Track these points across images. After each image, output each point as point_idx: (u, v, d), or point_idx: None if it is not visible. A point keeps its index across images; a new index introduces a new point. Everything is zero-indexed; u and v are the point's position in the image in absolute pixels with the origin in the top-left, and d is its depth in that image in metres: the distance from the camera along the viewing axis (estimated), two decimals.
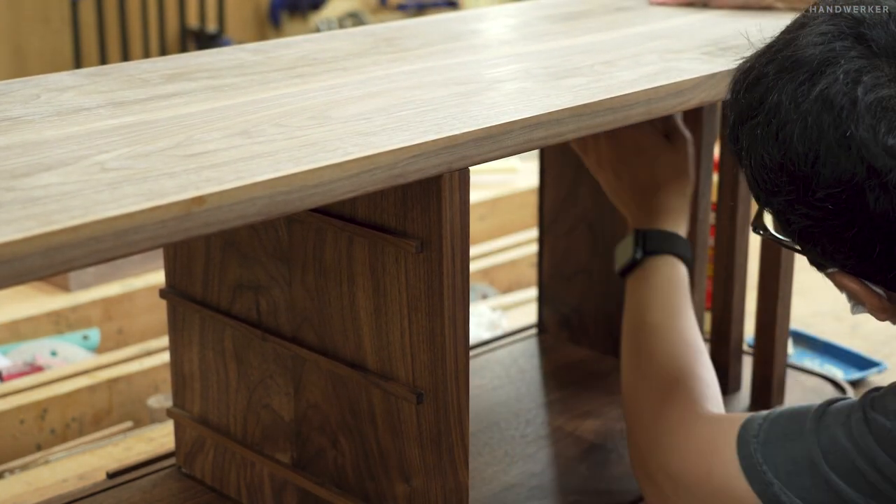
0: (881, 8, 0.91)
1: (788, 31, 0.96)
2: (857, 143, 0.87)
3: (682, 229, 1.31)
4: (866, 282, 0.95)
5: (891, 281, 0.93)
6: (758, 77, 0.94)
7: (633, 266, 1.30)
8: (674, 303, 1.26)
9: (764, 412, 1.07)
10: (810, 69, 0.90)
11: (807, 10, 0.97)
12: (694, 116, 1.40)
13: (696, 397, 1.15)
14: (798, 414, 1.04)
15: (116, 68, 1.10)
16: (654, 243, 1.29)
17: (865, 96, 0.87)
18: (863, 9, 0.91)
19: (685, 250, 1.30)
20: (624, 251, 1.32)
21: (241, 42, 4.00)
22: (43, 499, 1.29)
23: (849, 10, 0.92)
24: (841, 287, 0.97)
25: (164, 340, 1.90)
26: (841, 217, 0.90)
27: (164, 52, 4.42)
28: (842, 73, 0.88)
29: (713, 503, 1.07)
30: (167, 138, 0.88)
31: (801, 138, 0.89)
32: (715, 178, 1.47)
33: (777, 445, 1.03)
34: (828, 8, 0.94)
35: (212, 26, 4.59)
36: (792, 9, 1.40)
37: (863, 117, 0.87)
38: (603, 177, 1.37)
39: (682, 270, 1.29)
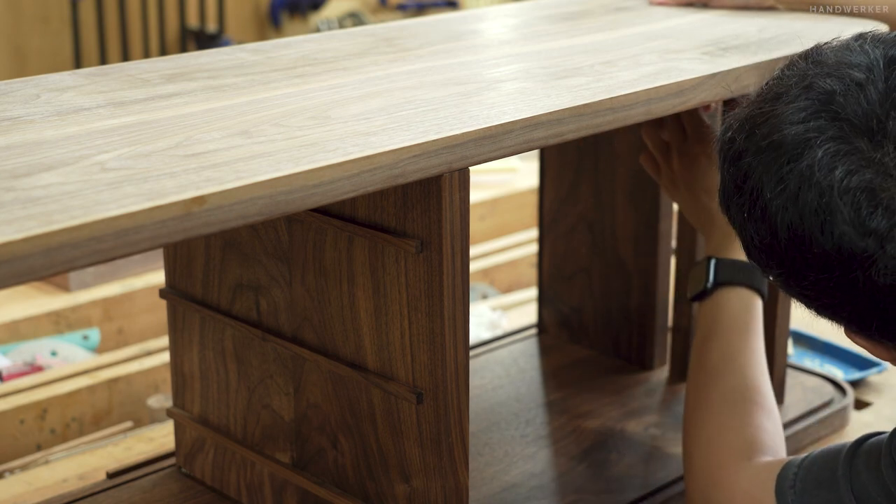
0: (850, 79, 0.89)
1: (764, 99, 0.93)
2: (838, 232, 0.85)
3: None
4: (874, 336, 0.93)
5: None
6: (738, 153, 0.92)
7: (703, 294, 1.26)
8: (738, 341, 1.21)
9: (800, 457, 1.06)
10: (787, 152, 0.88)
11: (781, 73, 0.94)
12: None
13: (748, 452, 1.12)
14: (831, 457, 1.02)
15: (116, 68, 1.10)
16: (726, 273, 1.25)
17: (842, 183, 0.85)
18: (831, 81, 0.89)
19: (760, 281, 1.25)
20: (696, 277, 1.28)
21: (241, 42, 4.00)
22: (43, 499, 1.29)
23: (820, 84, 0.89)
24: (850, 339, 0.95)
25: (164, 340, 1.90)
26: (833, 297, 0.90)
27: (164, 52, 4.42)
28: (818, 158, 0.86)
29: None
30: (167, 138, 0.88)
31: (783, 225, 0.88)
32: None
33: (813, 495, 1.02)
34: (797, 76, 0.92)
35: (212, 26, 4.59)
36: (791, 10, 1.40)
37: (840, 206, 0.85)
38: (679, 198, 1.34)
39: (752, 304, 1.24)
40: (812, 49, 0.95)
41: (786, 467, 1.06)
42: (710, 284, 1.25)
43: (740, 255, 1.24)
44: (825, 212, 0.86)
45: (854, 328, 0.92)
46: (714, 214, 1.29)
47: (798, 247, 0.88)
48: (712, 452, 1.14)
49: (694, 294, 1.27)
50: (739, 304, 1.24)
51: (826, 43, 0.95)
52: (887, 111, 0.87)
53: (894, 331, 0.90)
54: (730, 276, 1.25)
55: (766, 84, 0.96)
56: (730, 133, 0.95)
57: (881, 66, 0.89)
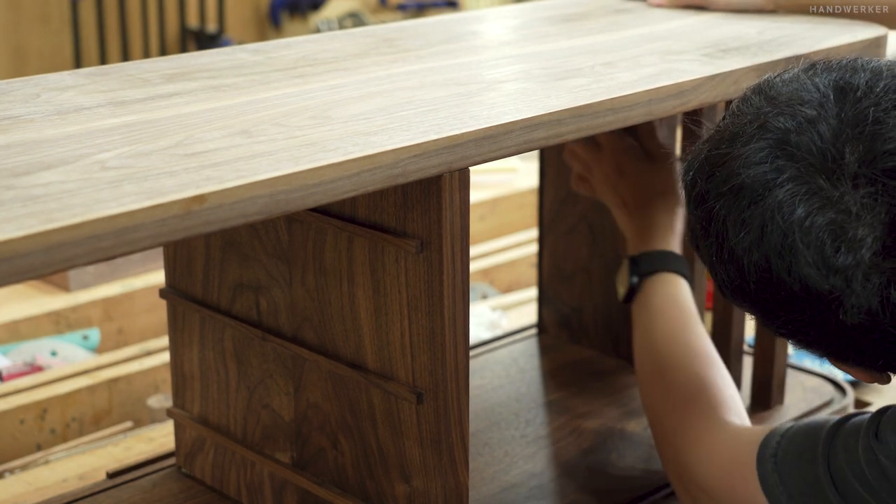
0: (802, 116, 0.88)
1: (721, 139, 0.93)
2: (803, 273, 0.86)
3: (673, 246, 1.32)
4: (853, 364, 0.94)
5: (874, 368, 0.93)
6: (701, 195, 0.93)
7: (632, 293, 1.31)
8: (677, 319, 1.25)
9: (785, 426, 1.07)
10: (748, 195, 0.88)
11: (736, 108, 0.94)
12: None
13: (715, 408, 1.15)
14: (813, 432, 1.03)
15: (116, 68, 1.10)
16: (646, 265, 1.30)
17: (804, 224, 0.85)
18: (784, 120, 0.89)
19: (679, 265, 1.30)
20: (621, 280, 1.33)
21: (241, 42, 4.01)
22: (43, 499, 1.29)
23: (773, 123, 0.89)
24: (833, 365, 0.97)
25: (164, 340, 1.90)
26: (808, 335, 0.91)
27: (164, 52, 4.43)
28: (780, 199, 0.86)
29: None
30: (167, 137, 0.88)
31: (751, 267, 0.88)
32: None
33: (792, 466, 1.03)
34: (752, 114, 0.91)
35: (212, 26, 4.59)
36: (791, 11, 1.40)
37: (803, 247, 0.85)
38: (606, 200, 1.40)
39: (679, 285, 1.29)
40: (764, 82, 0.95)
41: (769, 436, 1.06)
42: (634, 280, 1.30)
43: (654, 248, 1.31)
44: (790, 253, 0.86)
45: (832, 360, 0.94)
46: (625, 223, 1.35)
47: (767, 288, 0.89)
48: (682, 417, 1.16)
49: (624, 296, 1.32)
50: (667, 288, 1.28)
51: (777, 75, 0.95)
52: (842, 146, 0.86)
53: (871, 361, 0.91)
54: (649, 266, 1.30)
55: (723, 120, 0.95)
56: (691, 174, 0.95)
57: (831, 99, 0.89)
